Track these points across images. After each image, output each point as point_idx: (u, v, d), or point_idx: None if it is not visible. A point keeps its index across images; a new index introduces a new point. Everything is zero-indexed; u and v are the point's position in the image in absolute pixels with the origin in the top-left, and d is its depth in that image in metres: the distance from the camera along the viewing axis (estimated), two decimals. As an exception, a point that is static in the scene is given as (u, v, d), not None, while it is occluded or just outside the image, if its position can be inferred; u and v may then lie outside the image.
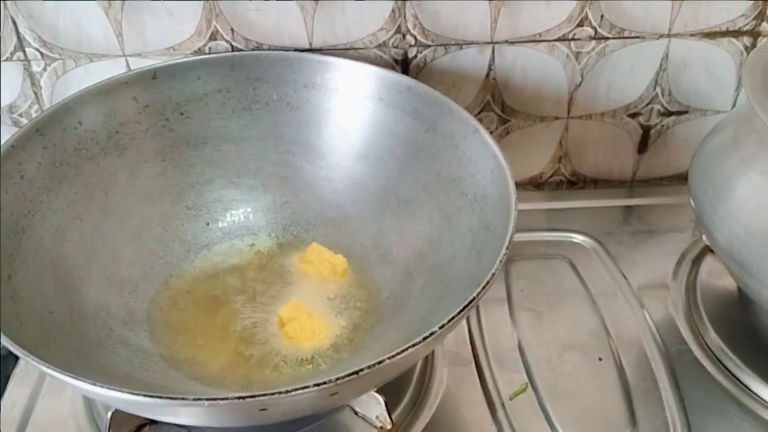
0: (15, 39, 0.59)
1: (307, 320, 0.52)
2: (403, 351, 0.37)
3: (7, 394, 0.53)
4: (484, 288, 0.40)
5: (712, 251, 0.62)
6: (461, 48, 0.62)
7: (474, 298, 0.40)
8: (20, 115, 0.63)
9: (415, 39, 0.61)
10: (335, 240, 0.59)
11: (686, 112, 0.67)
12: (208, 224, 0.60)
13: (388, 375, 0.41)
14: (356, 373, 0.36)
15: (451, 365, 0.54)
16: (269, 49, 0.61)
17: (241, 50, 0.61)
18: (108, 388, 0.36)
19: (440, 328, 0.38)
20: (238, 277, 0.56)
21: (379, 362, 0.36)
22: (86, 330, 0.48)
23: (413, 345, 0.37)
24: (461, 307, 0.39)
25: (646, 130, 0.68)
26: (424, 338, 0.38)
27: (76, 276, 0.51)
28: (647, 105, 0.66)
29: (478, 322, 0.57)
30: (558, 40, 0.62)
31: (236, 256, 0.58)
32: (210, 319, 0.53)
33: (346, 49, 0.61)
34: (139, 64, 0.60)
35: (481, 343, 0.56)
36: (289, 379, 0.49)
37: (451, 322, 0.39)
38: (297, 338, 0.51)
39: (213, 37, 0.60)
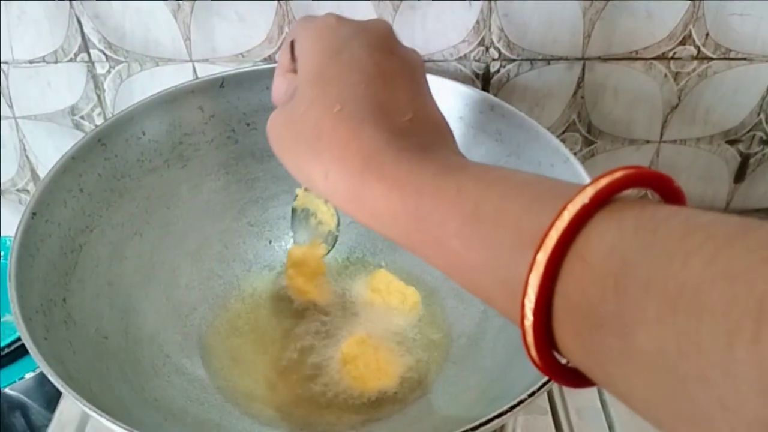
0: (80, 39, 0.57)
1: (373, 358, 0.48)
2: (486, 422, 0.33)
3: (62, 403, 0.51)
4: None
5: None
6: (548, 63, 0.57)
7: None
8: (82, 117, 0.61)
9: (499, 52, 0.57)
10: (403, 266, 0.55)
11: (792, 141, 0.61)
12: (270, 242, 0.57)
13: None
14: (435, 445, 0.32)
15: (526, 413, 0.50)
16: (343, 59, 0.57)
17: (313, 59, 0.57)
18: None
19: (530, 396, 0.34)
20: (300, 302, 0.53)
21: (461, 433, 0.33)
22: (141, 357, 0.46)
23: (498, 415, 0.33)
24: (553, 372, 0.35)
25: (745, 158, 0.62)
26: (512, 407, 0.34)
27: (133, 296, 0.48)
28: (748, 132, 0.61)
29: (555, 365, 0.53)
30: (656, 58, 0.57)
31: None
32: (269, 348, 0.50)
33: (425, 61, 0.57)
34: (206, 70, 0.58)
35: (559, 390, 0.51)
36: (352, 422, 0.45)
37: (543, 389, 0.35)
38: (361, 378, 0.47)
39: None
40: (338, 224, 0.52)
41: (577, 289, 0.22)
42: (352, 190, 0.30)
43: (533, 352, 0.24)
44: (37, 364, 0.36)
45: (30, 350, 0.37)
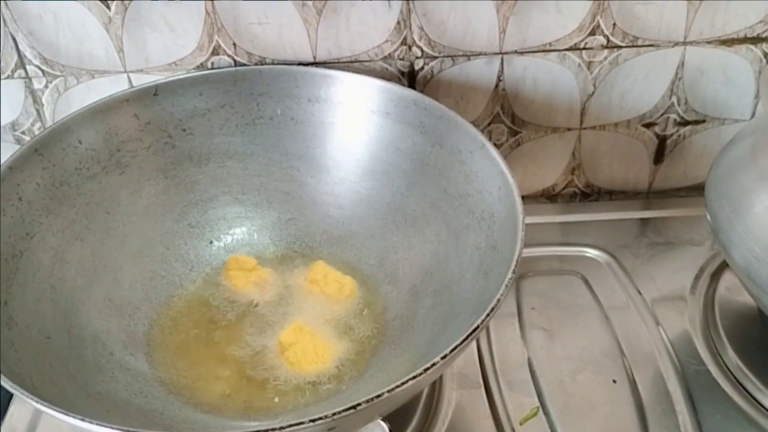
0: (16, 56, 0.58)
1: (310, 343, 0.50)
2: (402, 384, 0.35)
3: (12, 408, 0.52)
4: (488, 315, 0.39)
5: (731, 266, 0.60)
6: (469, 59, 0.60)
7: (478, 326, 0.38)
8: (23, 132, 0.63)
9: (422, 50, 0.60)
10: (341, 257, 0.57)
11: (703, 121, 0.65)
12: (211, 242, 0.59)
13: (389, 406, 0.39)
14: (354, 407, 0.35)
15: (460, 388, 0.52)
16: (272, 63, 0.60)
17: (243, 65, 0.60)
18: (98, 425, 0.35)
19: (442, 358, 0.37)
20: (241, 297, 0.55)
21: (378, 396, 0.35)
22: (85, 355, 0.47)
23: (414, 377, 0.36)
24: (464, 336, 0.38)
25: (661, 140, 0.66)
26: (425, 369, 0.36)
27: (75, 299, 0.50)
28: (663, 114, 0.64)
29: (488, 342, 0.56)
30: (569, 49, 0.60)
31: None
32: (211, 341, 0.52)
33: (351, 62, 0.60)
34: (141, 80, 0.60)
35: (491, 364, 0.54)
36: (292, 406, 0.48)
37: (454, 352, 0.37)
38: (299, 363, 0.49)
39: (215, 51, 0.59)
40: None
41: None
42: None
43: None
44: (-23, 360, 0.38)
45: (-31, 348, 0.38)
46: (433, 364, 0.36)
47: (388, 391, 0.35)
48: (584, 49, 0.60)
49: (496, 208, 0.48)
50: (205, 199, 0.59)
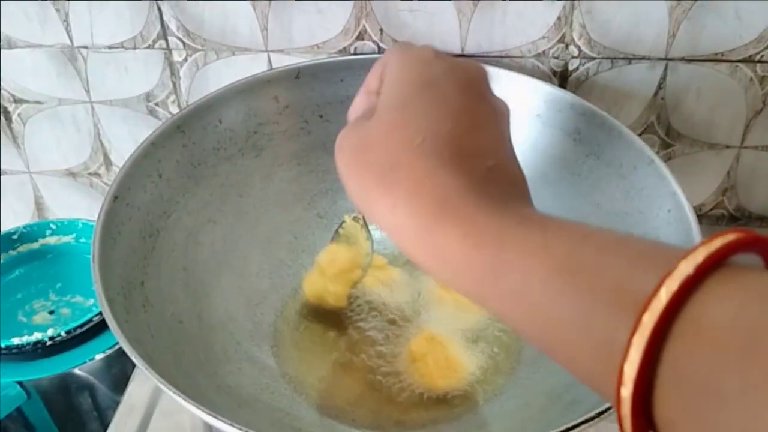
0: (159, 26, 0.57)
1: (442, 355, 0.47)
2: (580, 424, 0.32)
3: (131, 386, 0.52)
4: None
5: None
6: (630, 63, 0.56)
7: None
8: (156, 104, 0.62)
9: (579, 50, 0.55)
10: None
11: None
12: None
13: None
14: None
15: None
16: (418, 53, 0.57)
17: (388, 52, 0.57)
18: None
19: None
20: (369, 296, 0.53)
21: (547, 437, 0.32)
22: (214, 343, 0.46)
23: (586, 421, 0.32)
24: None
25: (830, 167, 0.60)
26: (599, 413, 0.33)
27: (206, 282, 0.49)
28: (837, 140, 0.58)
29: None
30: (742, 61, 0.55)
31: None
32: (336, 341, 0.50)
33: (501, 57, 0.56)
34: (281, 61, 0.58)
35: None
36: (421, 420, 0.45)
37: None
38: (430, 375, 0.47)
39: (360, 36, 0.56)
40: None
41: (690, 359, 0.20)
42: (421, 230, 0.28)
43: (627, 424, 0.21)
44: (121, 345, 0.37)
45: (114, 331, 0.37)
46: (607, 409, 0.33)
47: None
48: (760, 62, 0.55)
49: (663, 231, 0.44)
50: (335, 189, 0.56)
